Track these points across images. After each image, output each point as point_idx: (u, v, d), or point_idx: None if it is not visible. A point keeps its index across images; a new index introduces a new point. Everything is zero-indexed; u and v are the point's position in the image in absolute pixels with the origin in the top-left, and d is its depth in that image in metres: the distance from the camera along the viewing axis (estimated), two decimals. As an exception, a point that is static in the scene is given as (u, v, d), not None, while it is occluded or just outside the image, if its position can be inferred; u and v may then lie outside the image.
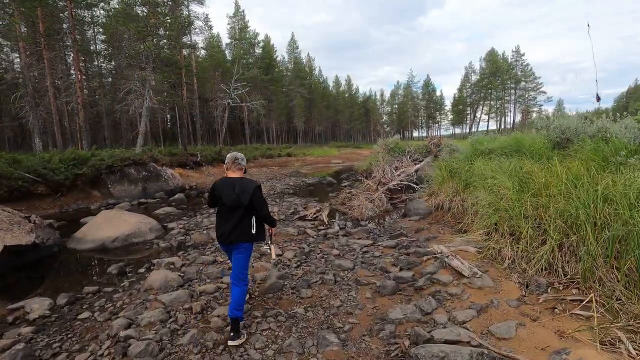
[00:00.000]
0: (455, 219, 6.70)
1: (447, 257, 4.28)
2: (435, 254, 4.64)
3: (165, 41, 17.27)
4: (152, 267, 4.99)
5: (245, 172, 3.24)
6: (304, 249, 5.56)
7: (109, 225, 6.74)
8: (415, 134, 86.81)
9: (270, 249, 3.55)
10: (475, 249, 4.51)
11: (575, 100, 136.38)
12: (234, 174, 3.12)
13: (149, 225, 6.93)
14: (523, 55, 59.15)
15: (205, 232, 6.80)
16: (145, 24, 14.26)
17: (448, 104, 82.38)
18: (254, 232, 3.07)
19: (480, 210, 5.42)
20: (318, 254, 5.33)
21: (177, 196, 11.60)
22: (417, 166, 13.64)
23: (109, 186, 12.43)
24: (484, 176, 6.07)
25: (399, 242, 5.61)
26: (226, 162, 3.19)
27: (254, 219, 3.08)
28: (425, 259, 4.48)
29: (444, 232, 6.00)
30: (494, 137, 7.85)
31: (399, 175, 11.81)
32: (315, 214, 8.45)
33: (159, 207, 11.04)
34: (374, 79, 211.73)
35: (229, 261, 5.00)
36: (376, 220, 8.13)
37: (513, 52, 60.12)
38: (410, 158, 14.90)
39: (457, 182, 7.09)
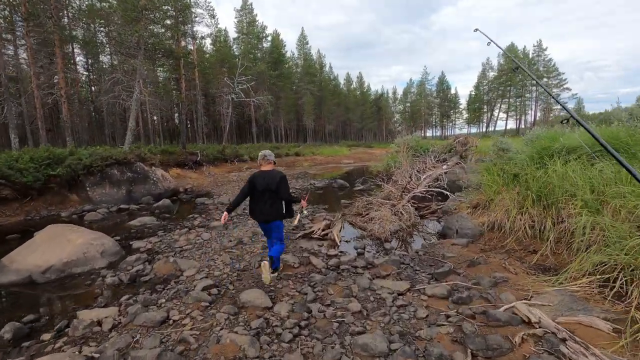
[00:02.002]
0: (521, 246, 4.74)
1: (564, 341, 2.35)
2: (532, 323, 2.71)
3: (160, 27, 15.65)
4: (67, 329, 3.20)
5: (275, 164, 4.17)
6: (305, 294, 3.69)
7: (47, 247, 5.00)
8: (429, 133, 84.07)
9: (297, 217, 4.90)
10: (607, 325, 2.56)
11: (592, 99, 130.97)
12: (265, 167, 4.04)
13: (100, 248, 5.16)
14: (545, 49, 55.94)
15: (172, 258, 4.98)
16: (134, 4, 12.62)
17: (462, 102, 79.43)
18: (283, 212, 4.00)
19: (577, 240, 3.48)
20: (327, 305, 3.45)
21: (161, 202, 9.87)
22: (444, 167, 11.67)
23: (87, 189, 10.80)
24: (575, 187, 4.11)
25: (452, 287, 3.69)
26: (258, 159, 4.11)
27: (283, 203, 3.98)
28: (516, 339, 2.55)
29: (514, 270, 4.05)
30: (560, 131, 5.85)
31: (425, 179, 9.84)
32: (324, 229, 6.57)
33: (139, 214, 9.34)
34: (385, 78, 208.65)
35: (193, 311, 3.21)
36: (403, 238, 6.22)
37: (534, 46, 56.97)
38: (434, 158, 12.91)
39: (521, 193, 5.12)
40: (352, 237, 6.57)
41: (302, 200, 4.22)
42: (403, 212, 7.04)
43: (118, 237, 6.62)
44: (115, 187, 11.19)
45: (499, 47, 4.32)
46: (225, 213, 3.98)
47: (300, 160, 30.17)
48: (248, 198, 4.11)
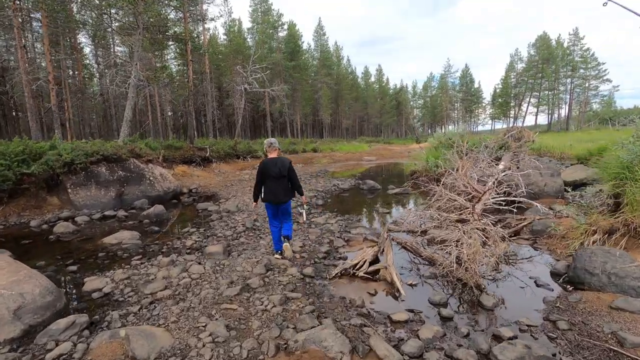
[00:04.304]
0: None
1: None
2: None
3: (163, 6, 13.74)
4: None
5: (280, 151, 4.63)
6: None
7: None
8: (451, 129, 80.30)
9: (303, 214, 5.21)
10: None
11: (620, 94, 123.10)
12: (273, 154, 4.46)
13: (15, 302, 3.13)
14: (582, 38, 51.49)
15: (125, 331, 2.89)
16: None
17: (486, 97, 75.32)
18: (291, 193, 4.54)
19: None
20: None
21: (152, 209, 7.87)
22: (501, 163, 9.25)
23: (69, 191, 8.95)
24: None
25: None
26: (265, 147, 4.55)
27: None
28: None
29: None
30: None
31: (492, 184, 7.48)
32: (370, 261, 4.38)
33: (124, 224, 7.41)
34: (402, 74, 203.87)
35: None
36: (494, 279, 3.98)
37: (570, 34, 52.50)
38: (489, 156, 10.48)
39: None
40: (411, 270, 4.39)
41: (302, 197, 4.70)
42: (494, 237, 4.73)
43: (74, 267, 4.64)
44: (102, 189, 9.30)
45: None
46: (254, 203, 4.67)
47: (318, 157, 27.98)
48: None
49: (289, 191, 4.48)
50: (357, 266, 4.30)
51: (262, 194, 4.44)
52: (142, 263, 4.68)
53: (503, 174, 7.46)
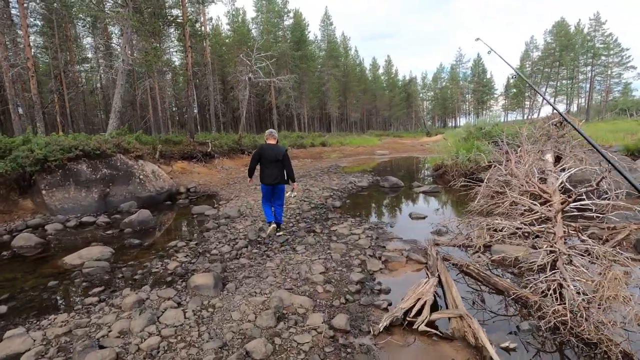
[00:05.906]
0: None
1: None
2: None
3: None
4: None
5: (277, 141, 5.10)
6: None
7: None
8: (463, 122, 77.85)
9: (289, 193, 5.79)
10: None
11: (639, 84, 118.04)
12: (271, 141, 4.96)
13: None
14: (604, 23, 48.63)
15: None
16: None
17: (499, 87, 72.60)
18: (286, 178, 5.02)
19: None
20: None
21: (135, 215, 6.47)
22: (549, 161, 7.66)
23: (43, 192, 7.64)
24: None
25: None
26: (265, 135, 5.05)
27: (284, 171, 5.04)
28: None
29: None
30: None
31: (552, 179, 5.92)
32: (431, 303, 2.92)
33: (101, 234, 6.05)
34: (411, 66, 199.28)
35: None
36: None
37: (591, 19, 49.56)
38: (535, 148, 8.87)
39: None
40: (473, 304, 2.94)
41: (294, 183, 5.17)
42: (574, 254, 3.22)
43: (5, 308, 3.28)
44: (83, 190, 7.97)
45: (499, 56, 4.33)
46: (249, 179, 5.36)
47: (328, 151, 26.47)
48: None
49: (283, 175, 4.97)
50: (413, 312, 2.85)
51: (260, 177, 4.99)
52: (99, 301, 3.29)
53: (575, 169, 5.88)
